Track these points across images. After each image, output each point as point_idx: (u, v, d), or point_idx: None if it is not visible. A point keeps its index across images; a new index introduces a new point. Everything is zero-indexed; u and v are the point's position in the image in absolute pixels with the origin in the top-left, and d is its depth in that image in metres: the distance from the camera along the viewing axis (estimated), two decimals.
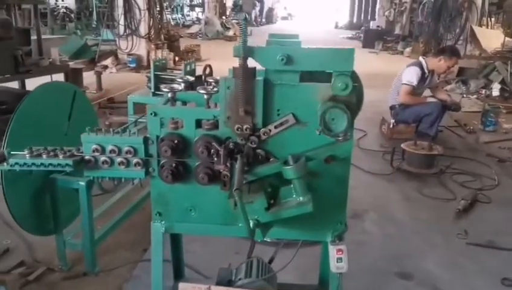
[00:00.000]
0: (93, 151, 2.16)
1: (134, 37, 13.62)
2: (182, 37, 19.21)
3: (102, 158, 2.17)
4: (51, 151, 2.16)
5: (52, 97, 3.64)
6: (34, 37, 8.41)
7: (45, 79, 6.96)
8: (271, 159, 2.14)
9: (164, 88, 2.19)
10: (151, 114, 2.13)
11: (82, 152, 2.18)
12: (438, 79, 8.17)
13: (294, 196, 1.93)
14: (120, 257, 3.84)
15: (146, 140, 2.15)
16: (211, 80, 2.38)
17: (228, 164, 2.04)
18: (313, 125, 2.06)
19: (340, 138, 1.99)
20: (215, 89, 2.18)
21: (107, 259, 3.80)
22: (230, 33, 24.76)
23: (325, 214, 2.21)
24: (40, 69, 7.28)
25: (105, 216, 4.05)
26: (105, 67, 13.19)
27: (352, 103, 2.01)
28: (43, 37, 8.97)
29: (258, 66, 2.06)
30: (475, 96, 11.40)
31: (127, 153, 2.15)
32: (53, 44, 10.31)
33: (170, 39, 15.62)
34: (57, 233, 3.59)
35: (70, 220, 3.75)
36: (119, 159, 2.17)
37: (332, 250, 2.18)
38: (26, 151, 2.15)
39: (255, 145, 2.08)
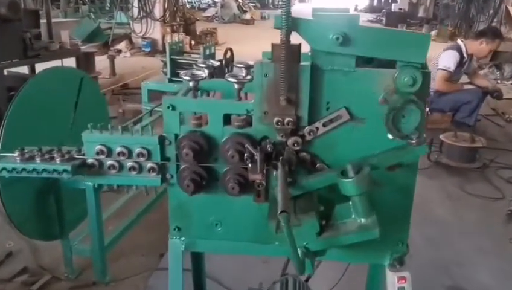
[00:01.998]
0: (98, 153, 1.76)
1: (149, 20, 13.17)
2: (197, 20, 18.72)
3: (109, 162, 1.78)
4: (46, 153, 1.77)
5: (57, 84, 3.25)
6: (43, 20, 8.03)
7: (55, 64, 6.58)
8: (317, 165, 1.71)
9: (184, 75, 1.77)
10: (168, 107, 1.73)
11: (84, 154, 1.78)
12: (477, 64, 7.60)
13: (353, 216, 1.51)
14: (134, 263, 3.48)
15: (162, 140, 1.75)
16: (240, 65, 1.94)
17: (264, 171, 1.62)
18: (372, 123, 1.64)
19: (413, 141, 1.55)
20: (248, 77, 1.75)
21: (120, 265, 3.44)
22: (247, 16, 24.22)
23: (383, 232, 1.77)
24: (50, 53, 6.92)
25: (117, 216, 3.68)
26: (119, 51, 12.83)
27: (423, 99, 1.57)
28: (55, 20, 8.63)
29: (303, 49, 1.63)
30: (510, 81, 10.77)
31: (138, 155, 1.75)
32: (65, 27, 9.97)
33: (186, 22, 15.17)
34: (62, 238, 3.24)
35: (77, 222, 3.38)
36: (129, 164, 1.77)
37: (392, 277, 1.77)
38: (16, 154, 1.76)
39: (298, 148, 1.65)
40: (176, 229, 1.92)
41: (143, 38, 13.43)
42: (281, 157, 1.67)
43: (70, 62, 7.59)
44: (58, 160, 1.76)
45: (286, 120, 1.63)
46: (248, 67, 1.91)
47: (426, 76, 1.56)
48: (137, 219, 3.63)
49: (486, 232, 4.02)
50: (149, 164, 1.79)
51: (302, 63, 1.61)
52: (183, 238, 1.93)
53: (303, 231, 1.48)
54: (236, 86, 1.73)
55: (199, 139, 1.72)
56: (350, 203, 1.52)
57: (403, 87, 1.53)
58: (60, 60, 7.25)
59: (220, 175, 1.79)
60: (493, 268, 3.49)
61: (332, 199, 1.58)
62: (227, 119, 1.75)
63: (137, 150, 1.76)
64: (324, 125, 1.68)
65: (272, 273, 2.35)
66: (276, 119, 1.63)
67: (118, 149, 1.77)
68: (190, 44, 13.79)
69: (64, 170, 1.73)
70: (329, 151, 1.71)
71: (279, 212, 1.34)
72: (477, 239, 3.90)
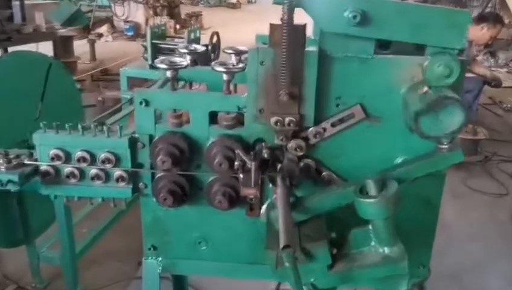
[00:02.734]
0: (53, 158, 1.42)
1: (131, 2, 12.68)
2: (182, 3, 18.20)
3: (67, 169, 1.45)
4: None
5: (19, 71, 2.88)
6: (16, 1, 7.55)
7: (31, 48, 6.16)
8: (324, 173, 1.41)
9: (161, 63, 1.44)
10: (141, 103, 1.40)
11: (36, 159, 1.45)
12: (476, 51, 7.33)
13: (373, 243, 1.20)
14: (109, 271, 3.17)
15: (133, 142, 1.43)
16: (229, 51, 1.62)
17: (259, 182, 1.32)
18: (392, 123, 1.34)
19: (444, 146, 1.25)
20: (240, 65, 1.43)
21: (93, 274, 3.13)
22: (233, 0, 23.66)
23: None
24: (22, 36, 6.50)
25: (91, 218, 3.34)
26: (100, 35, 12.36)
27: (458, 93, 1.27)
28: (29, 1, 8.12)
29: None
30: (505, 69, 10.55)
31: (104, 161, 1.42)
32: (41, 9, 9.45)
33: (170, 5, 14.66)
34: (27, 244, 2.89)
35: (45, 227, 3.04)
36: (93, 171, 1.45)
37: None
38: None
39: (301, 153, 1.34)
40: (151, 249, 1.61)
41: (125, 21, 12.96)
42: (279, 165, 1.36)
43: (47, 46, 7.17)
44: (2, 167, 1.43)
45: (287, 120, 1.32)
46: (239, 54, 1.59)
47: (463, 65, 1.25)
48: (112, 222, 3.30)
49: (494, 232, 3.77)
50: (117, 172, 1.47)
51: (307, 49, 1.29)
52: (160, 259, 1.62)
53: (311, 266, 1.17)
54: (225, 76, 1.41)
55: (179, 142, 1.41)
56: (370, 227, 1.21)
57: (435, 79, 1.23)
58: (35, 44, 6.82)
59: (204, 185, 1.48)
60: (506, 272, 3.24)
61: (345, 220, 1.27)
62: (213, 118, 1.43)
63: (103, 155, 1.44)
64: (333, 125, 1.37)
65: (265, 284, 2.07)
66: (274, 118, 1.33)
67: (78, 154, 1.45)
68: (175, 28, 13.35)
69: (10, 181, 1.40)
70: (338, 158, 1.41)
71: (281, 246, 1.03)
72: (486, 241, 3.65)
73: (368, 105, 1.37)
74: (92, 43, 9.84)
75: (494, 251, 3.45)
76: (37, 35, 6.96)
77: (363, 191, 1.19)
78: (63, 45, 8.04)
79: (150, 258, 1.63)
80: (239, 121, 1.42)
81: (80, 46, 9.80)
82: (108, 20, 13.15)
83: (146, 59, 4.90)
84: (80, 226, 3.02)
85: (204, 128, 1.43)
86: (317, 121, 1.38)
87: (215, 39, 4.59)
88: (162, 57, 1.52)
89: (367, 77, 1.34)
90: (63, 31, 9.85)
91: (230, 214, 1.50)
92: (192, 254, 1.60)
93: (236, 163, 1.34)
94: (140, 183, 1.51)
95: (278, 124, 1.33)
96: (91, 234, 3.13)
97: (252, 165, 1.29)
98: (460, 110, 1.17)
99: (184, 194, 1.47)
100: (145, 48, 4.93)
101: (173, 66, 1.44)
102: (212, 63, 1.43)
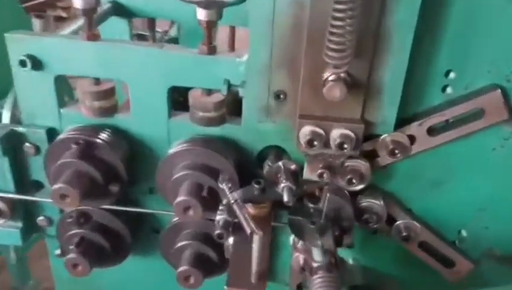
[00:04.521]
0: None
1: None
2: None
3: None
4: None
5: None
6: None
7: None
8: (398, 222, 0.69)
9: None
10: (23, 64, 0.65)
11: None
12: None
13: None
14: None
15: (12, 144, 0.68)
16: None
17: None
18: None
19: None
20: None
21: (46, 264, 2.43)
22: None
23: None
24: None
25: None
26: None
27: None
28: None
29: None
30: None
31: None
32: None
33: None
34: None
35: None
36: None
37: None
38: None
39: (361, 186, 0.61)
40: None
41: None
42: (312, 223, 0.65)
43: None
44: None
45: (337, 134, 0.59)
46: None
47: None
48: None
49: None
50: None
51: None
52: None
53: None
54: (201, 13, 0.64)
55: (103, 150, 0.67)
56: None
57: None
58: None
59: (161, 226, 0.77)
60: None
61: None
62: (178, 100, 0.69)
63: None
64: (432, 132, 0.63)
65: None
66: (308, 129, 0.61)
67: None
68: None
69: None
70: (430, 192, 0.68)
71: None
72: None
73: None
74: None
75: None
76: None
77: None
78: None
79: None
80: (230, 110, 0.69)
81: None
82: None
83: None
84: None
85: (160, 121, 0.70)
86: (401, 122, 0.64)
87: None
88: None
89: None
90: None
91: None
92: None
93: (220, 208, 0.62)
94: (40, 218, 0.79)
95: (316, 143, 0.59)
96: None
97: (235, 196, 0.58)
98: None
99: (117, 249, 0.76)
100: None
101: None
102: None
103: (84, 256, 0.71)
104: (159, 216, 0.80)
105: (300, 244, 0.68)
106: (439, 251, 0.75)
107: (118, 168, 0.70)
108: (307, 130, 0.62)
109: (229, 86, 0.64)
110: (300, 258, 0.69)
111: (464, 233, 0.75)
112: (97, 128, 0.71)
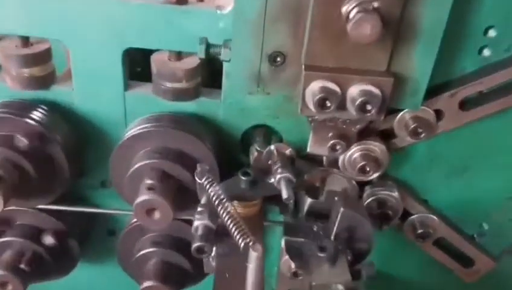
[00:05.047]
0: None
1: None
2: None
3: None
4: None
5: None
6: None
7: None
8: (413, 217, 0.56)
9: None
10: None
11: None
12: None
13: None
14: None
15: None
16: None
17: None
18: None
19: None
20: None
21: None
22: None
23: None
24: None
25: None
26: None
27: None
28: None
29: None
30: None
31: None
32: None
33: None
34: None
35: None
36: None
37: None
38: None
39: (376, 174, 0.49)
40: None
41: None
42: (320, 249, 0.51)
43: None
44: None
45: (359, 90, 0.45)
46: None
47: None
48: None
49: None
50: None
51: None
52: None
53: None
54: None
55: (33, 134, 0.50)
56: None
57: None
58: None
59: (118, 227, 0.61)
60: None
61: None
62: (135, 72, 0.53)
63: None
64: (464, 104, 0.50)
65: None
66: (319, 84, 0.44)
67: None
68: None
69: None
70: (453, 178, 0.59)
71: None
72: None
73: None
74: None
75: None
76: None
77: None
78: None
79: None
80: (205, 81, 0.53)
81: None
82: None
83: None
84: None
85: (112, 94, 0.55)
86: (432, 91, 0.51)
87: None
88: None
89: None
90: None
91: None
92: None
93: (199, 210, 0.47)
94: None
95: (329, 103, 0.44)
96: None
97: (235, 222, 0.42)
98: None
99: (60, 259, 0.59)
100: None
101: None
102: None
103: (13, 272, 0.54)
104: (114, 216, 0.64)
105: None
106: (457, 249, 0.63)
107: (56, 158, 0.53)
108: (316, 86, 0.46)
109: (208, 46, 0.48)
110: (292, 263, 0.56)
111: (485, 226, 0.63)
112: (28, 105, 0.53)
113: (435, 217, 0.60)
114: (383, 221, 0.57)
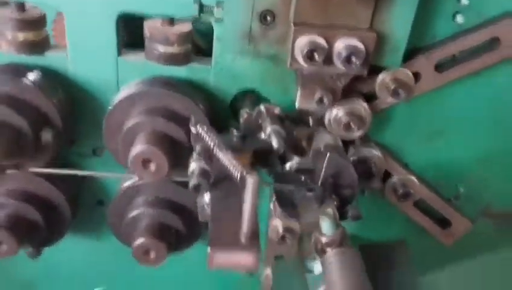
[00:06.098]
0: None
1: None
2: None
3: None
4: None
5: None
6: None
7: None
8: (393, 178, 0.59)
9: None
10: None
11: None
12: None
13: None
14: None
15: None
16: None
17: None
18: None
19: None
20: None
21: None
22: None
23: None
24: None
25: None
26: None
27: None
28: None
29: None
30: None
31: None
32: None
33: None
34: None
35: None
36: None
37: None
38: None
39: (358, 133, 0.53)
40: None
41: None
42: (293, 160, 0.54)
43: None
44: None
45: (343, 45, 0.49)
46: None
47: None
48: None
49: None
50: None
51: None
52: None
53: None
54: None
55: (28, 93, 0.52)
56: None
57: None
58: None
59: (107, 196, 0.63)
60: None
61: None
62: (133, 32, 0.57)
63: None
64: (440, 67, 0.55)
65: None
66: (305, 39, 0.49)
67: None
68: None
69: None
70: (433, 140, 0.63)
71: None
72: None
73: None
74: None
75: None
76: None
77: None
78: None
79: None
80: (196, 45, 0.56)
81: None
82: None
83: None
84: None
85: (106, 60, 0.57)
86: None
87: None
88: None
89: None
90: None
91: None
92: None
93: (194, 157, 0.49)
94: None
95: (317, 56, 0.47)
96: None
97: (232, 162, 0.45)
98: None
99: (52, 224, 0.60)
100: None
101: None
102: None
103: (10, 231, 0.55)
104: (104, 184, 0.65)
105: (279, 211, 0.56)
106: (435, 210, 0.66)
107: (50, 115, 0.55)
108: (305, 40, 0.49)
109: (201, 7, 0.51)
110: (279, 227, 0.58)
111: (461, 189, 0.67)
112: (22, 68, 0.55)
113: (415, 180, 0.64)
114: (366, 181, 0.60)
